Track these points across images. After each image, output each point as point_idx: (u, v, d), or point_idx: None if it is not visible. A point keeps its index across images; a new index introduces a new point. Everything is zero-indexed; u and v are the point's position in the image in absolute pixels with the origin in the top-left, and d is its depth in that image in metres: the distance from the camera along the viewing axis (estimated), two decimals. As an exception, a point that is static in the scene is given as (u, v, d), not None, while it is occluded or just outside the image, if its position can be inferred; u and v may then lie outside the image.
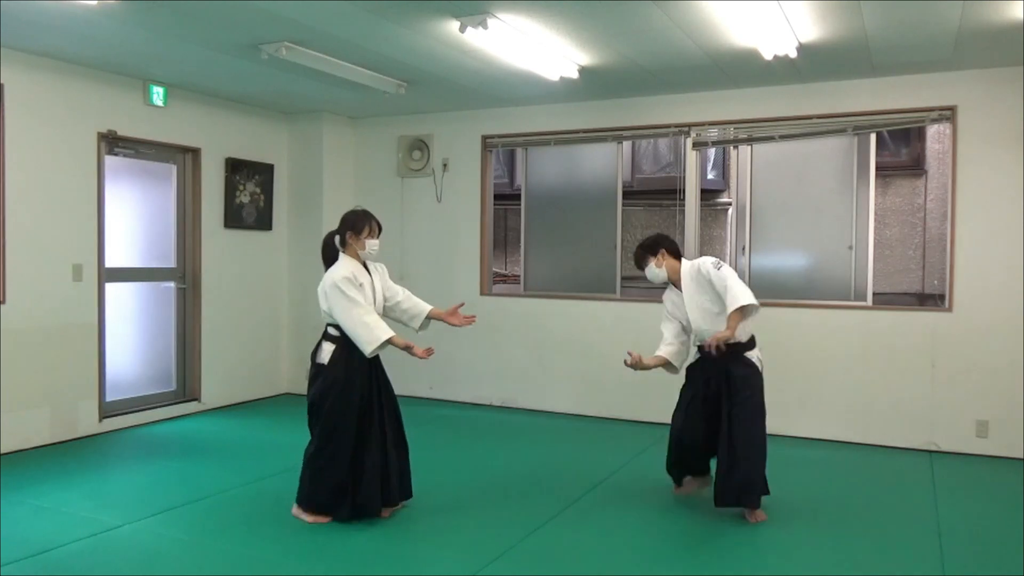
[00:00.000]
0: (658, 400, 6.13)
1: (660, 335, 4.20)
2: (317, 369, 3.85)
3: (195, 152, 6.34)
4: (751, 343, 4.04)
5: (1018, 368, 5.14)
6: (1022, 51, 4.79)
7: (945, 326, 5.35)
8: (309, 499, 3.85)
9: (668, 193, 6.81)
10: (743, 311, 3.80)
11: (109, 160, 5.74)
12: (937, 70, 5.30)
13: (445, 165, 6.99)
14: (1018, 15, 4.16)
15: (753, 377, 3.97)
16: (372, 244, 3.85)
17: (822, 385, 5.68)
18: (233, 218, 6.64)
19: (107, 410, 5.72)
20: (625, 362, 4.02)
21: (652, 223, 9.23)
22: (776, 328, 5.79)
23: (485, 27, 4.25)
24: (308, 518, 3.85)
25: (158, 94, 5.92)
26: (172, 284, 6.31)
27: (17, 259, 5.08)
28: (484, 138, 6.84)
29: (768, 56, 4.82)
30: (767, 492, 3.94)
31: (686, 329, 4.16)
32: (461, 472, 4.80)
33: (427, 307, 4.04)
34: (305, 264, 7.17)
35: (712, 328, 3.94)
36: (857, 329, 5.59)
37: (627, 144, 6.90)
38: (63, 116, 5.34)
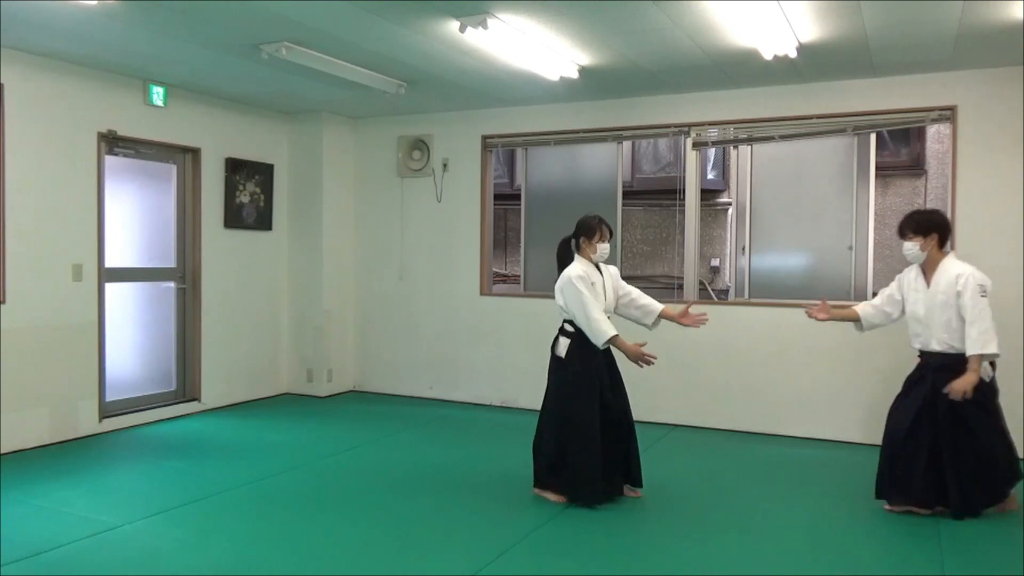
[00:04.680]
0: (658, 400, 6.13)
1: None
2: (557, 362, 4.17)
3: (195, 152, 6.34)
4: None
5: (1018, 368, 5.13)
6: (1022, 51, 4.79)
7: (945, 326, 5.33)
8: (569, 490, 4.11)
9: (668, 193, 6.81)
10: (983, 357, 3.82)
11: (109, 160, 5.74)
12: (937, 70, 5.30)
13: (445, 165, 6.99)
14: (1018, 15, 4.16)
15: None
16: (603, 248, 4.15)
17: (823, 385, 5.67)
18: (233, 218, 6.64)
19: (107, 410, 5.72)
20: (808, 313, 4.20)
21: (652, 223, 9.23)
22: (776, 328, 5.80)
23: (485, 27, 4.25)
24: (553, 497, 4.17)
25: (158, 94, 5.92)
26: (172, 284, 6.31)
27: (17, 259, 5.08)
28: (484, 138, 6.84)
29: (768, 56, 4.82)
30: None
31: (894, 313, 4.22)
32: (461, 472, 4.80)
33: (660, 306, 4.28)
34: (305, 264, 7.17)
35: (935, 335, 3.98)
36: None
37: (627, 144, 6.91)
38: (63, 116, 5.34)
